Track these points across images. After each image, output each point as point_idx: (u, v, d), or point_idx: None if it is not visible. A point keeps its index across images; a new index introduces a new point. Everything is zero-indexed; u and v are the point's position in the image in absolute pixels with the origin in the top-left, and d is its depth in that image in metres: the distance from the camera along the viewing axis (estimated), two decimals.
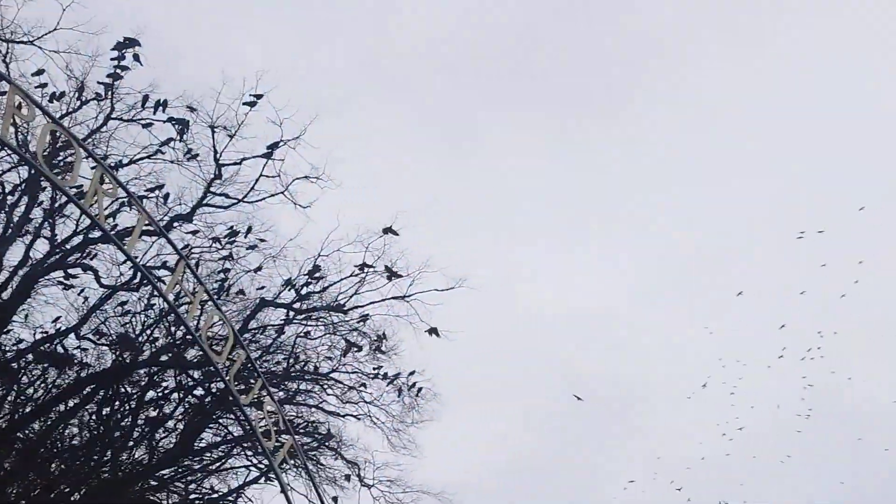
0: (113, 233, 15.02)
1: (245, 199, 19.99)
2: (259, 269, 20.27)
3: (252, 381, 16.08)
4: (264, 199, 20.08)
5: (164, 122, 19.09)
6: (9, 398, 19.98)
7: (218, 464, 21.96)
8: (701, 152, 52.62)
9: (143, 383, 20.79)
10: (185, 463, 21.50)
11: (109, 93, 18.75)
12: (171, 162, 19.50)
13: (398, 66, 51.62)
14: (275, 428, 14.46)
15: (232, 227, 19.85)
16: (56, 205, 18.89)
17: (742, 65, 53.44)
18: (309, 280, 20.54)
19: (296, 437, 16.27)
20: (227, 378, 13.66)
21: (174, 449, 20.63)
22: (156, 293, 17.90)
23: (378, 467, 22.10)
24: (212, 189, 19.77)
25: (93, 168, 12.05)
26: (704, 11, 53.28)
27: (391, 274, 20.46)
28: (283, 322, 20.97)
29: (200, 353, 16.95)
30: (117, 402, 21.04)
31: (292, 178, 20.02)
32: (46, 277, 19.24)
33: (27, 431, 19.98)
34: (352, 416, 21.70)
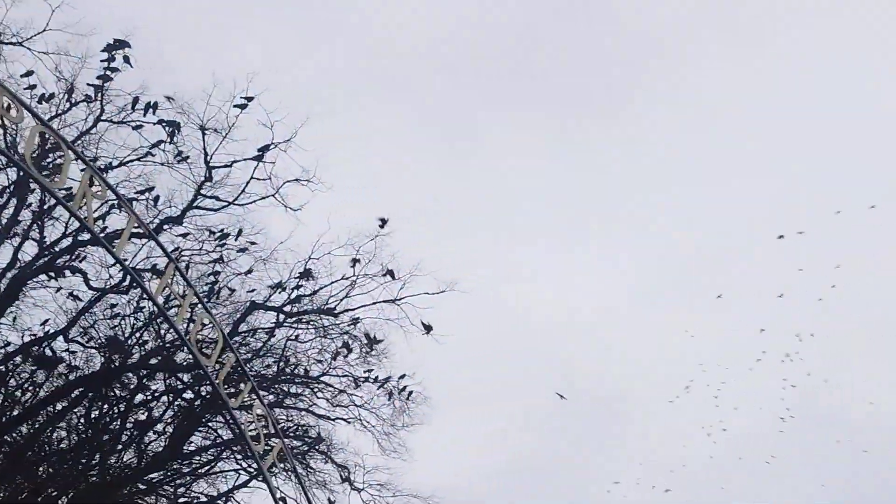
0: (102, 235, 14.97)
1: (236, 202, 19.97)
2: (249, 271, 20.24)
3: (242, 384, 16.03)
4: (255, 201, 20.08)
5: (155, 124, 19.06)
6: None
7: (207, 467, 21.89)
8: (701, 152, 52.76)
9: (132, 386, 20.70)
10: (174, 466, 21.42)
11: (99, 94, 18.69)
12: (162, 164, 19.47)
13: (398, 66, 51.66)
14: (264, 431, 14.42)
15: (222, 229, 19.82)
16: (45, 207, 18.80)
17: (742, 65, 53.66)
18: (299, 283, 20.51)
19: (286, 440, 16.23)
20: (217, 381, 13.61)
21: (163, 452, 20.56)
22: (145, 296, 17.82)
23: (368, 471, 22.10)
24: (202, 191, 19.73)
25: (82, 170, 11.97)
26: (704, 11, 53.49)
27: (388, 273, 20.45)
28: (273, 325, 20.94)
29: (190, 356, 16.90)
30: (106, 406, 20.94)
31: (283, 180, 20.03)
32: (35, 280, 19.15)
33: (15, 434, 19.85)
34: (342, 419, 21.69)
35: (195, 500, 21.88)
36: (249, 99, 19.29)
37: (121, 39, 18.09)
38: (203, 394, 20.50)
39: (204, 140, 19.49)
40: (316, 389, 21.67)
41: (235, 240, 19.85)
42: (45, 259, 19.00)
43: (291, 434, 21.45)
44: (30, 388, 20.32)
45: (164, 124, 19.05)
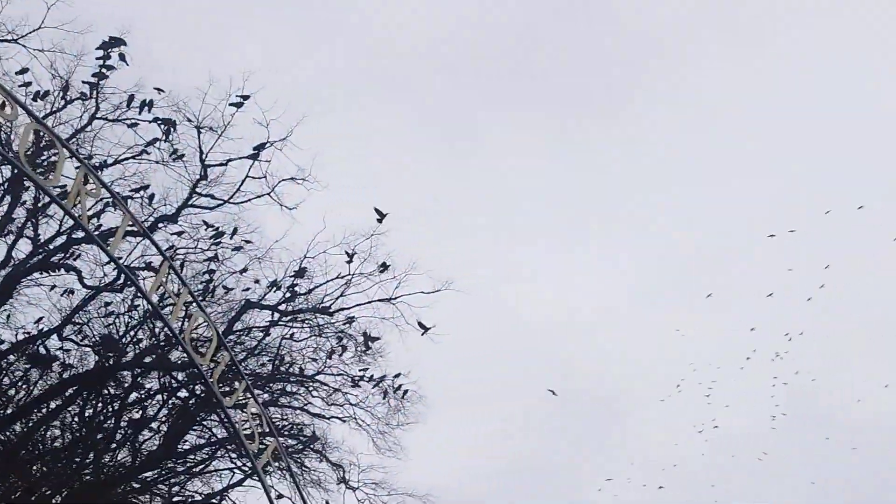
0: (97, 233, 14.94)
1: (231, 201, 19.93)
2: (244, 270, 20.20)
3: (237, 383, 16.02)
4: (250, 200, 20.04)
5: (150, 122, 19.01)
6: None
7: (201, 466, 21.85)
8: (701, 152, 52.90)
9: (126, 385, 20.66)
10: (169, 465, 21.38)
11: (94, 92, 18.65)
12: (157, 162, 19.44)
13: (398, 66, 51.71)
14: (259, 430, 14.41)
15: (217, 227, 19.77)
16: (39, 205, 18.74)
17: (742, 65, 53.80)
18: (294, 282, 20.48)
19: (280, 439, 16.22)
20: (211, 380, 13.60)
21: (157, 451, 20.51)
22: (139, 294, 17.78)
23: (363, 470, 22.09)
24: (197, 190, 19.70)
25: (77, 168, 11.95)
26: (704, 11, 53.61)
27: (382, 266, 20.40)
28: (268, 324, 20.90)
29: (185, 354, 16.86)
30: (100, 404, 20.90)
31: (279, 179, 20.00)
32: (29, 278, 19.09)
33: (8, 433, 19.79)
34: (337, 418, 21.67)
35: (189, 499, 21.84)
36: (245, 97, 19.26)
37: (116, 37, 18.04)
38: (197, 392, 20.47)
39: (199, 138, 19.48)
40: (311, 388, 21.67)
41: (230, 238, 19.83)
42: (40, 257, 18.94)
43: (286, 433, 21.42)
44: (23, 386, 20.27)
45: (159, 122, 19.01)
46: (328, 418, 21.67)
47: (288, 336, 20.98)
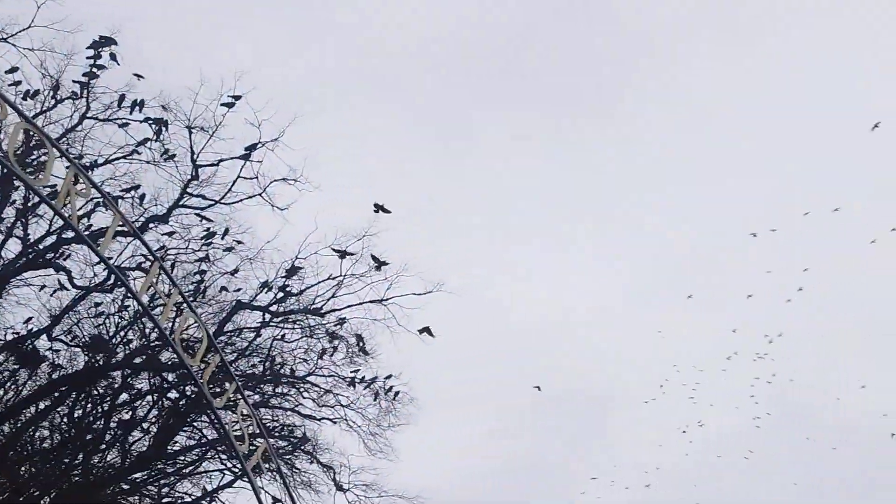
0: (87, 233, 14.87)
1: (222, 201, 19.88)
2: (236, 271, 20.15)
3: (227, 384, 15.96)
4: (241, 200, 19.99)
5: (141, 122, 18.95)
6: None
7: (191, 467, 21.79)
8: (695, 152, 53.15)
9: (116, 385, 20.58)
10: (158, 466, 21.30)
11: (85, 92, 18.57)
12: (148, 162, 19.38)
13: (390, 66, 51.84)
14: (249, 431, 14.36)
15: (208, 227, 19.71)
16: (29, 204, 18.65)
17: (734, 64, 54.10)
18: (286, 282, 20.42)
19: (270, 440, 16.17)
20: (201, 381, 13.55)
21: (147, 452, 20.44)
22: (129, 295, 17.71)
23: (354, 471, 22.06)
24: (188, 190, 19.64)
25: (67, 168, 11.89)
26: (695, 11, 53.89)
27: (374, 260, 20.32)
28: (259, 325, 20.85)
29: (175, 355, 16.81)
30: (89, 405, 20.82)
31: (270, 179, 19.95)
32: (18, 277, 19.00)
33: None
34: (328, 419, 21.63)
35: (179, 501, 21.77)
36: (237, 97, 19.22)
37: (107, 36, 17.97)
38: (188, 393, 20.40)
39: (191, 138, 19.44)
40: (302, 389, 21.62)
41: (222, 239, 19.77)
42: (29, 257, 18.85)
43: (277, 434, 21.37)
44: (12, 386, 20.16)
45: (150, 122, 18.95)
46: (319, 419, 21.64)
47: (279, 337, 20.93)
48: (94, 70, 18.25)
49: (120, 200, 18.51)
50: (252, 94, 19.37)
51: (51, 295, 19.44)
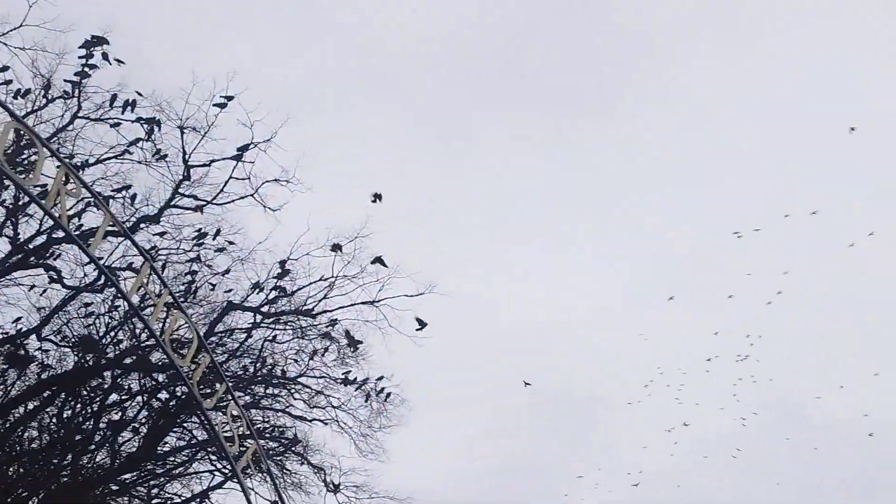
0: (77, 233, 14.84)
1: (214, 202, 19.84)
2: (227, 272, 20.11)
3: (218, 384, 15.92)
4: (233, 201, 19.96)
5: (133, 121, 18.90)
6: None
7: (181, 468, 21.72)
8: (695, 152, 53.08)
9: (105, 386, 20.51)
10: (148, 467, 21.23)
11: (76, 91, 18.51)
12: (139, 162, 19.33)
13: (389, 66, 51.82)
14: (239, 432, 14.34)
15: (200, 228, 19.68)
16: (18, 204, 18.57)
17: (734, 64, 54.13)
18: (278, 283, 20.38)
19: (261, 441, 16.14)
20: (191, 382, 13.51)
21: (137, 453, 20.37)
22: (119, 295, 17.65)
23: (345, 473, 22.02)
24: (180, 190, 19.59)
25: (57, 167, 11.85)
26: (695, 11, 53.98)
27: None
28: (250, 326, 20.81)
29: (165, 356, 16.76)
30: (79, 405, 20.74)
31: (262, 180, 19.92)
32: (8, 277, 18.91)
33: None
34: (319, 420, 21.59)
35: (169, 502, 21.71)
36: (229, 98, 19.19)
37: (99, 36, 17.94)
38: (178, 394, 20.34)
39: (182, 139, 19.40)
40: (293, 390, 21.57)
41: (213, 239, 19.73)
42: (19, 257, 18.76)
43: (267, 435, 21.33)
44: (1, 386, 20.06)
45: (142, 122, 18.90)
46: (310, 421, 21.60)
47: (270, 338, 20.89)
48: (86, 69, 18.19)
49: (111, 200, 18.47)
50: (245, 94, 19.38)
51: (41, 294, 19.38)
